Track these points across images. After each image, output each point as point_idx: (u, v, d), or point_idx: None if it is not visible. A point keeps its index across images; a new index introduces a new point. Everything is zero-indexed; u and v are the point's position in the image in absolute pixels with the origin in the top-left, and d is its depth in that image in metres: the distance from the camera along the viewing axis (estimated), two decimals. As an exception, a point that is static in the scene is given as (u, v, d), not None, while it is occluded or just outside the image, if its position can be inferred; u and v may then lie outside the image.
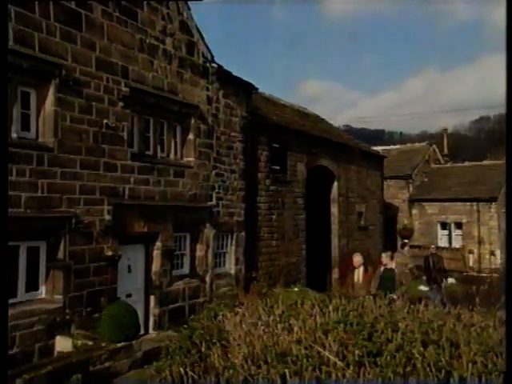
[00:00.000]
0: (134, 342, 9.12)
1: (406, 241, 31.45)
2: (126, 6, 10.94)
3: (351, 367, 2.46)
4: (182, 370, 2.58)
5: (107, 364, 8.47)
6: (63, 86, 9.49)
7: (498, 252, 28.71)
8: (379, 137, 68.66)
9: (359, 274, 10.98)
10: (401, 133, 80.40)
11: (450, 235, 30.97)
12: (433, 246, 21.15)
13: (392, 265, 11.10)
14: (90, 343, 8.93)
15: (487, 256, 29.22)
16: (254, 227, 15.85)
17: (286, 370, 2.32)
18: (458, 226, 30.60)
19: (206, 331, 3.02)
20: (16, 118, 8.93)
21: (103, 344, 8.76)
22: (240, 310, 3.43)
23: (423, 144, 36.71)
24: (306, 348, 2.55)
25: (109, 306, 9.60)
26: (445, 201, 30.83)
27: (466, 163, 34.45)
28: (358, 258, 11.19)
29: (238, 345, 2.62)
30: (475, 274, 27.50)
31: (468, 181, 31.13)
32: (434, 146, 36.13)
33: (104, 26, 10.41)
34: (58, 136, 9.42)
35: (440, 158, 36.06)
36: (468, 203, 29.86)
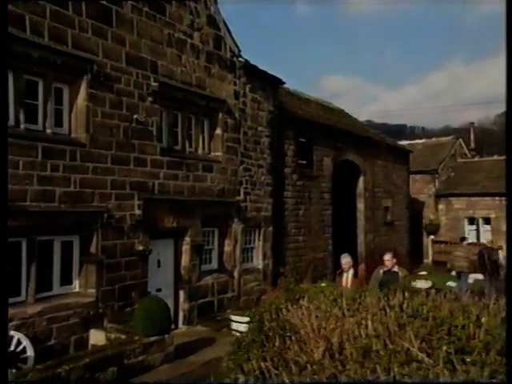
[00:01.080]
0: (166, 336, 9.13)
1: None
2: (154, 0, 10.95)
3: (440, 364, 2.34)
4: (262, 364, 2.51)
5: (141, 358, 8.50)
6: (95, 82, 9.55)
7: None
8: (401, 131, 67.69)
9: (347, 279, 9.20)
10: (423, 128, 79.24)
11: (477, 230, 30.40)
12: (486, 241, 20.80)
13: (396, 267, 9.28)
14: (123, 337, 8.98)
15: (517, 252, 28.60)
16: (281, 222, 15.77)
17: (378, 366, 2.23)
18: (486, 221, 30.02)
19: (276, 324, 2.94)
20: (50, 113, 9.01)
21: (136, 338, 8.79)
22: (302, 302, 3.34)
23: (449, 138, 36.05)
24: (385, 343, 2.46)
25: (141, 300, 9.65)
26: (473, 195, 30.26)
27: (495, 157, 33.72)
28: (346, 260, 9.43)
29: (314, 338, 2.53)
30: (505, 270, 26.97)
31: (496, 175, 30.43)
32: (461, 139, 35.49)
33: (134, 21, 10.43)
34: (89, 131, 9.48)
35: (467, 152, 35.40)
36: (497, 198, 29.23)
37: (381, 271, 9.18)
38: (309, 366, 2.36)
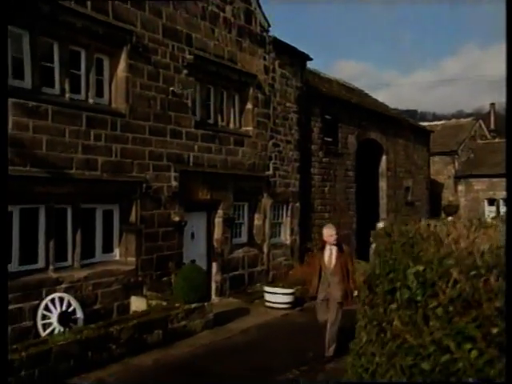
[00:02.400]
0: (205, 303, 9.31)
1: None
2: (189, -27, 10.96)
3: None
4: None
5: (183, 323, 8.69)
6: (134, 53, 9.63)
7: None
8: (411, 117, 66.86)
9: (331, 255, 7.47)
10: (434, 113, 78.22)
11: (498, 211, 30.25)
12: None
13: None
14: (164, 303, 9.17)
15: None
16: (308, 198, 15.86)
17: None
18: (507, 202, 29.86)
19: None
20: (92, 83, 9.12)
21: (177, 304, 8.98)
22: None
23: (469, 119, 35.76)
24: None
25: (182, 267, 9.83)
26: (493, 176, 30.04)
27: (515, 138, 33.35)
28: (332, 231, 7.53)
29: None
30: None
31: (517, 156, 30.22)
32: (481, 121, 35.16)
33: (169, -7, 10.46)
34: (129, 102, 9.59)
35: (486, 133, 35.10)
36: (518, 179, 29.02)
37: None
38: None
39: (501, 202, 30.02)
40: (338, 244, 7.59)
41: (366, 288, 2.57)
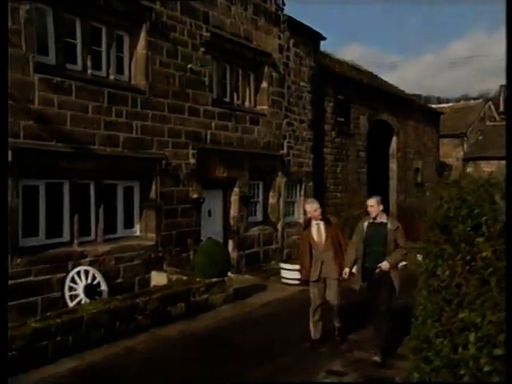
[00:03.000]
0: (225, 278, 9.46)
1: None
2: (206, -51, 10.92)
3: None
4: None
5: (205, 296, 8.85)
6: (153, 30, 9.67)
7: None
8: (415, 101, 66.04)
9: (319, 231, 6.88)
10: (438, 97, 77.57)
11: (506, 194, 30.30)
12: None
13: (384, 217, 6.58)
14: (184, 278, 9.32)
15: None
16: (321, 178, 15.95)
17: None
18: (516, 184, 29.84)
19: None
20: (112, 60, 9.19)
21: (197, 279, 9.13)
22: None
23: (478, 101, 35.59)
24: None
25: (202, 243, 9.97)
26: (502, 159, 29.88)
27: (525, 120, 33.21)
28: (315, 205, 6.99)
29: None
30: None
31: (527, 138, 30.13)
32: (490, 102, 34.99)
33: (187, -31, 10.45)
34: (148, 79, 9.66)
35: (496, 115, 34.94)
36: (527, 161, 28.95)
37: (365, 224, 6.60)
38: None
39: (510, 184, 30.02)
40: (325, 218, 7.02)
41: (438, 231, 2.79)
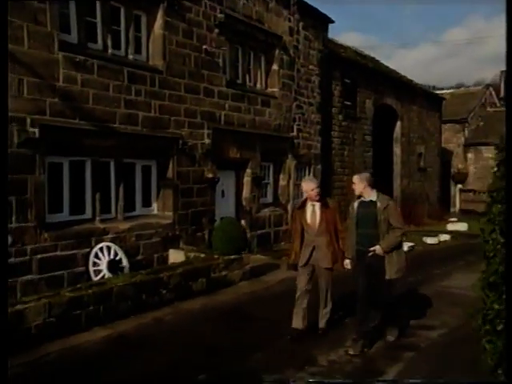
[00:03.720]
0: (243, 255, 9.65)
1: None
2: None
3: None
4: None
5: (224, 273, 9.04)
6: (170, 10, 9.74)
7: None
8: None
9: (314, 213, 6.27)
10: (433, 86, 77.67)
11: (507, 179, 30.54)
12: None
13: (373, 195, 5.93)
14: (202, 255, 9.50)
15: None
16: (329, 161, 16.11)
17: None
18: (517, 169, 30.06)
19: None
20: (131, 40, 9.27)
21: (215, 256, 9.31)
22: None
23: (479, 87, 35.72)
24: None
25: (220, 221, 10.14)
26: (503, 144, 30.21)
27: (525, 106, 33.38)
28: (311, 184, 6.31)
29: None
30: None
31: (528, 124, 30.33)
32: (491, 88, 35.12)
33: (202, -50, 10.49)
34: (165, 59, 9.75)
35: (496, 101, 35.10)
36: (528, 146, 29.16)
37: (355, 204, 6.05)
38: None
39: (510, 170, 30.26)
40: (322, 199, 6.34)
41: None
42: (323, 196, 6.54)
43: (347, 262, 6.14)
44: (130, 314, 7.03)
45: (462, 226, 20.23)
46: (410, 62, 78.70)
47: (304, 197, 6.61)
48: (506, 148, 3.21)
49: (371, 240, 5.79)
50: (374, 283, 5.81)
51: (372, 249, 5.75)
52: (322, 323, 6.49)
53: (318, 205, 6.27)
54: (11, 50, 6.94)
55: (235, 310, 7.85)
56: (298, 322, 6.40)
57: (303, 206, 6.42)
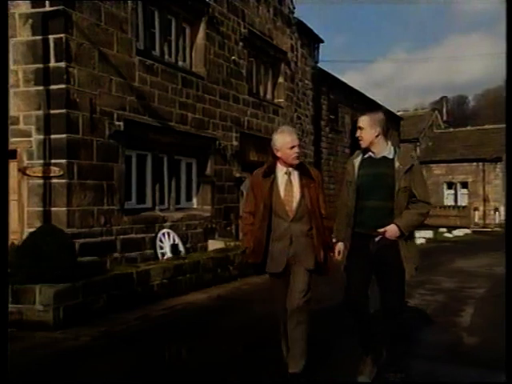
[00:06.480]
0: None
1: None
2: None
3: None
4: None
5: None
6: (209, 24, 10.83)
7: (501, 209, 31.05)
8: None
9: (291, 185, 3.91)
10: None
11: (455, 194, 33.25)
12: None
13: (388, 150, 3.79)
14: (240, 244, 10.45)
15: (492, 212, 31.60)
16: (319, 169, 17.50)
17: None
18: (464, 185, 32.84)
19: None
20: (181, 48, 10.30)
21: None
22: None
23: (427, 110, 38.83)
24: None
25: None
26: (451, 162, 33.00)
27: (469, 127, 36.73)
28: (288, 137, 3.90)
29: None
30: (480, 229, 29.80)
31: (472, 143, 33.40)
32: (437, 112, 38.29)
33: (232, -28, 11.71)
34: (206, 67, 10.79)
35: (441, 123, 38.28)
36: (474, 163, 32.04)
37: (357, 160, 3.90)
38: None
39: (458, 186, 33.05)
40: (302, 165, 4.05)
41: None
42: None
43: (340, 245, 3.90)
44: (211, 284, 7.95)
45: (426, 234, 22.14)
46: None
47: (272, 159, 4.05)
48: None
49: (380, 218, 3.69)
50: (382, 284, 3.75)
51: (382, 230, 3.65)
52: (292, 366, 3.82)
53: (296, 173, 3.95)
54: (105, 52, 7.82)
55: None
56: (294, 365, 3.79)
57: (271, 172, 3.96)
